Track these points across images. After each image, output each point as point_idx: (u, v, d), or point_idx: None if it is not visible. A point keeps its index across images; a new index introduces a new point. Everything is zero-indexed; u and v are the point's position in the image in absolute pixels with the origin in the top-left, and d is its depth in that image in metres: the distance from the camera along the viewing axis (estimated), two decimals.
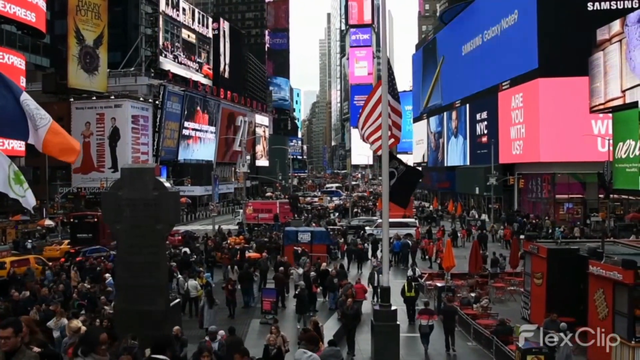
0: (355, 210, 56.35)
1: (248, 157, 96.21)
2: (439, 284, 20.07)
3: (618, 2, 41.51)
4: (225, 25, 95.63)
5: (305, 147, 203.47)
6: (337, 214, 55.29)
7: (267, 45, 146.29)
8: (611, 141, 34.00)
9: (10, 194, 8.24)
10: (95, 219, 33.39)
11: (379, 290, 15.28)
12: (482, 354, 15.12)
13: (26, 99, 7.78)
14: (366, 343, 14.89)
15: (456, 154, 64.34)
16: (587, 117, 38.88)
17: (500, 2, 51.73)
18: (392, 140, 14.37)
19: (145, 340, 9.96)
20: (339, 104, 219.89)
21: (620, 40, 31.93)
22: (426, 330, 15.23)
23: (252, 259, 25.31)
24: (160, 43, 70.33)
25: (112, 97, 60.28)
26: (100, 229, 32.07)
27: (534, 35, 44.01)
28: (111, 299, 15.39)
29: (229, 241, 32.72)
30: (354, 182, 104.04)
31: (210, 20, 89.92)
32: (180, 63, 75.79)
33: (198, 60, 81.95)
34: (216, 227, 40.42)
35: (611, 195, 37.46)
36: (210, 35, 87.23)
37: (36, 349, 5.46)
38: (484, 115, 55.43)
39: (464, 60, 60.94)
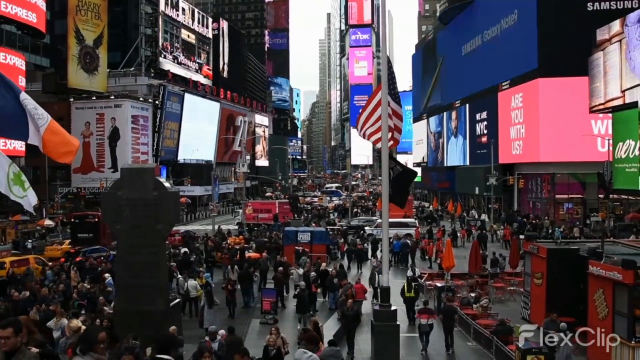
0: (355, 210, 56.31)
1: (248, 157, 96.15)
2: (438, 284, 20.08)
3: (618, 2, 41.47)
4: (225, 25, 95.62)
5: (305, 147, 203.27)
6: (336, 214, 55.31)
7: (267, 45, 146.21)
8: (611, 141, 34.01)
9: (11, 197, 8.18)
10: (96, 219, 33.40)
11: (379, 290, 15.29)
12: (482, 354, 15.12)
13: (25, 98, 7.71)
14: (366, 343, 14.89)
15: (456, 154, 64.33)
16: (587, 117, 38.87)
17: (500, 2, 51.72)
18: (392, 142, 14.45)
19: (146, 340, 9.99)
20: (338, 104, 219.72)
21: (620, 40, 31.96)
22: (426, 329, 15.24)
23: (252, 259, 25.33)
24: (160, 43, 70.37)
25: (112, 97, 60.32)
26: (101, 229, 32.11)
27: (534, 35, 43.96)
28: (111, 299, 15.38)
29: (228, 241, 32.72)
30: (353, 182, 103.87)
31: (210, 20, 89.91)
32: (180, 64, 75.80)
33: (198, 61, 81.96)
34: (216, 227, 40.42)
35: (611, 195, 37.46)
36: (210, 35, 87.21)
37: (34, 349, 5.45)
38: (484, 115, 55.40)
39: (463, 60, 60.89)
